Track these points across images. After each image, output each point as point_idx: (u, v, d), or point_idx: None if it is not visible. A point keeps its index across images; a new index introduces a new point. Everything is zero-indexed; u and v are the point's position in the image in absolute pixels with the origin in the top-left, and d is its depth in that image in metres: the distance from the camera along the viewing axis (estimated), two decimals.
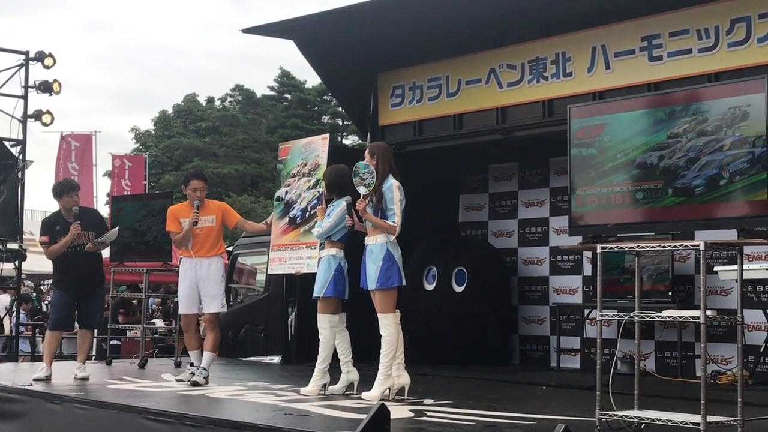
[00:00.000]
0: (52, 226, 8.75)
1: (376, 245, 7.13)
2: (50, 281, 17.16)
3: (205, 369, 8.24)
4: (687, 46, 9.10)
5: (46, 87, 15.03)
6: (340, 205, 7.57)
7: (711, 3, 8.94)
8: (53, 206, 8.98)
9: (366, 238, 7.27)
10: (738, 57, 8.73)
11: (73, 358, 9.21)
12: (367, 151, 7.42)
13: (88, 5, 74.67)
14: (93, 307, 8.96)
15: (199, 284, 8.39)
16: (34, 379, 8.27)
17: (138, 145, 41.39)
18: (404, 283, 7.23)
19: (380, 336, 7.10)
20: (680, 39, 9.15)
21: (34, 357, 14.46)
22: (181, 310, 8.67)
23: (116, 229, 9.29)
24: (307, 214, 9.95)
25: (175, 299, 12.44)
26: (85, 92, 69.86)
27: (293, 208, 10.26)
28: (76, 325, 9.24)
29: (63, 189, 8.80)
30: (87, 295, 8.80)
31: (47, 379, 8.39)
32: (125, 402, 6.85)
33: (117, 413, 6.67)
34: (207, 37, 73.68)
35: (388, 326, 7.06)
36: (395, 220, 7.08)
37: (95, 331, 9.68)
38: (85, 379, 8.53)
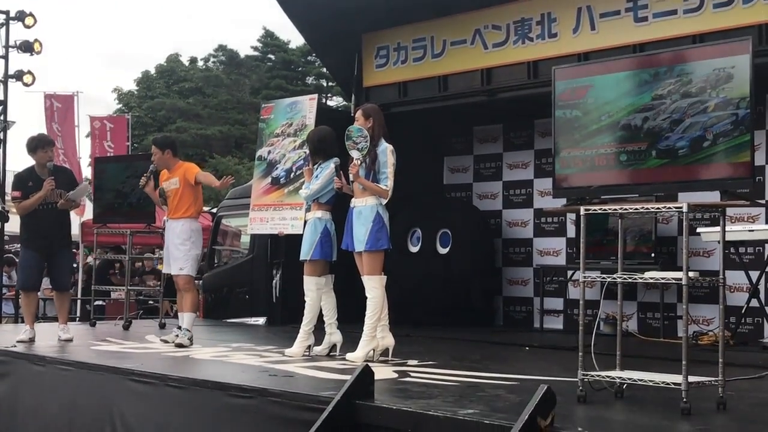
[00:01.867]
0: (24, 182, 8.62)
1: (366, 207, 7.09)
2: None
3: (188, 330, 8.25)
4: (672, 7, 9.07)
5: (26, 47, 14.90)
6: (328, 167, 7.52)
7: None
8: None
9: (354, 199, 7.22)
10: (723, 18, 8.71)
11: (57, 319, 9.20)
12: (359, 112, 7.30)
13: None
14: (63, 269, 8.88)
15: (168, 246, 8.48)
16: (18, 341, 8.24)
17: (121, 105, 41.07)
18: (391, 246, 7.23)
19: (364, 298, 7.11)
20: (665, 0, 9.11)
21: (18, 318, 14.44)
22: (164, 269, 8.75)
23: (85, 183, 9.22)
24: (292, 175, 9.91)
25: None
26: (65, 52, 69.02)
27: (276, 168, 10.21)
28: (45, 286, 9.16)
29: (38, 144, 8.64)
30: (56, 256, 8.69)
31: (31, 340, 8.37)
32: (109, 363, 6.86)
33: (101, 374, 6.68)
34: None
35: (375, 288, 7.06)
36: (387, 183, 7.04)
37: (70, 291, 9.60)
38: (69, 340, 8.52)
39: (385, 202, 7.10)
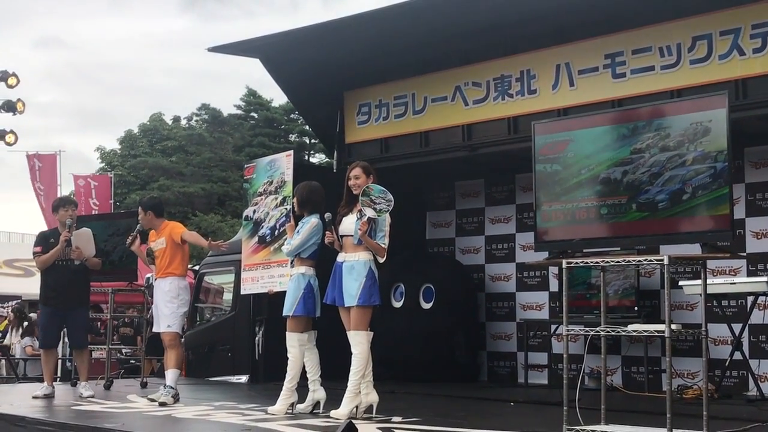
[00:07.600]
0: (46, 239, 9.16)
1: (359, 262, 7.08)
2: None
3: (172, 387, 8.21)
4: (650, 63, 9.20)
5: (9, 107, 14.95)
6: (309, 222, 7.52)
7: (673, 21, 9.05)
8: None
9: (343, 254, 7.21)
10: (700, 74, 8.83)
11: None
12: (359, 169, 7.26)
13: (37, 21, 72.88)
14: (77, 327, 9.18)
15: (157, 304, 8.59)
16: (33, 397, 8.58)
17: (104, 164, 41.07)
18: (380, 302, 7.23)
19: (348, 354, 7.06)
20: (643, 56, 9.25)
21: None
22: (153, 329, 8.91)
23: (84, 229, 9.26)
24: (276, 232, 9.92)
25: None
26: (44, 111, 68.55)
27: (262, 227, 10.23)
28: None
29: (60, 203, 9.39)
30: (72, 314, 9.01)
31: (46, 397, 8.67)
32: (90, 424, 6.77)
33: None
34: (167, 53, 73.08)
35: (361, 344, 7.03)
36: (385, 242, 7.06)
37: (88, 347, 9.69)
38: (90, 396, 8.75)
39: (382, 260, 7.09)
